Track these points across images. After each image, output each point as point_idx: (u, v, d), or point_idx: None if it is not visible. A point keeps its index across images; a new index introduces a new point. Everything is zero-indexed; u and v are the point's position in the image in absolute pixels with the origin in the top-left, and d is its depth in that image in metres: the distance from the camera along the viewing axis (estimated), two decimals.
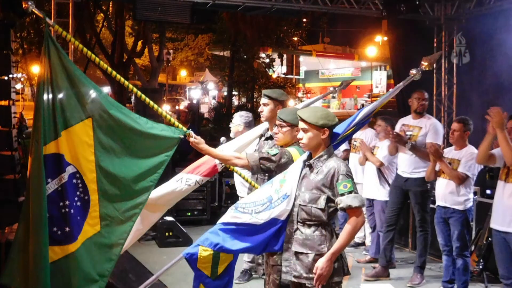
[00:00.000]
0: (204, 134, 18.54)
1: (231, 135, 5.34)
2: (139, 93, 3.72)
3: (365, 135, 6.73)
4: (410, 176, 5.65)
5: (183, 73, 42.71)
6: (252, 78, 21.90)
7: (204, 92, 31.66)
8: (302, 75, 35.72)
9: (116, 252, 3.55)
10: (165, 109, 21.40)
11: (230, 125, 5.48)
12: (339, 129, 3.41)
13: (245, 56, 21.60)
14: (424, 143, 5.52)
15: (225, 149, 4.03)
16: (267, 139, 4.03)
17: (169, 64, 31.57)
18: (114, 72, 3.86)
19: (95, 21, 19.69)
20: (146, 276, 4.87)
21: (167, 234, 7.07)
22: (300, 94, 29.98)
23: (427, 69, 3.79)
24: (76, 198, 3.47)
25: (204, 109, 25.45)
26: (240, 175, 4.36)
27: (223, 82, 24.28)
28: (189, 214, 8.20)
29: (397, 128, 5.81)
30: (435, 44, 8.85)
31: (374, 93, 30.87)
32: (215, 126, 19.71)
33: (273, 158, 3.47)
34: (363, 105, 22.20)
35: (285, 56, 26.69)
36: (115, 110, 3.52)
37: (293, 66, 30.87)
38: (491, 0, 7.84)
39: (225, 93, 24.74)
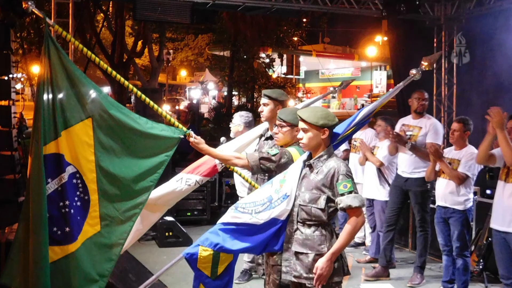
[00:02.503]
0: (204, 134, 18.58)
1: (231, 135, 5.34)
2: (139, 93, 3.72)
3: (365, 135, 6.73)
4: (410, 176, 5.65)
5: (183, 73, 42.69)
6: (252, 78, 21.89)
7: (204, 92, 31.63)
8: (302, 75, 35.72)
9: (116, 252, 3.55)
10: (165, 109, 21.41)
11: (230, 125, 5.49)
12: (339, 129, 3.41)
13: (245, 56, 21.60)
14: (424, 143, 5.52)
15: (225, 149, 4.03)
16: (267, 139, 4.03)
17: (169, 64, 31.57)
18: (114, 72, 3.86)
19: (95, 21, 19.70)
20: (146, 276, 4.89)
21: (167, 234, 7.08)
22: (300, 94, 30.02)
23: (427, 69, 3.79)
24: (76, 198, 3.48)
25: (204, 109, 25.45)
26: (240, 175, 4.36)
27: (223, 82, 24.29)
28: (189, 214, 8.21)
29: (397, 128, 5.81)
30: (435, 44, 8.86)
31: (374, 93, 30.87)
32: (215, 126, 19.69)
33: (273, 158, 3.47)
34: (363, 105, 22.20)
35: (285, 56, 26.70)
36: (115, 110, 3.52)
37: (293, 66, 30.87)
38: (491, 0, 7.84)
39: (225, 93, 24.76)
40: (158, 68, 21.19)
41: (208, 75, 31.85)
